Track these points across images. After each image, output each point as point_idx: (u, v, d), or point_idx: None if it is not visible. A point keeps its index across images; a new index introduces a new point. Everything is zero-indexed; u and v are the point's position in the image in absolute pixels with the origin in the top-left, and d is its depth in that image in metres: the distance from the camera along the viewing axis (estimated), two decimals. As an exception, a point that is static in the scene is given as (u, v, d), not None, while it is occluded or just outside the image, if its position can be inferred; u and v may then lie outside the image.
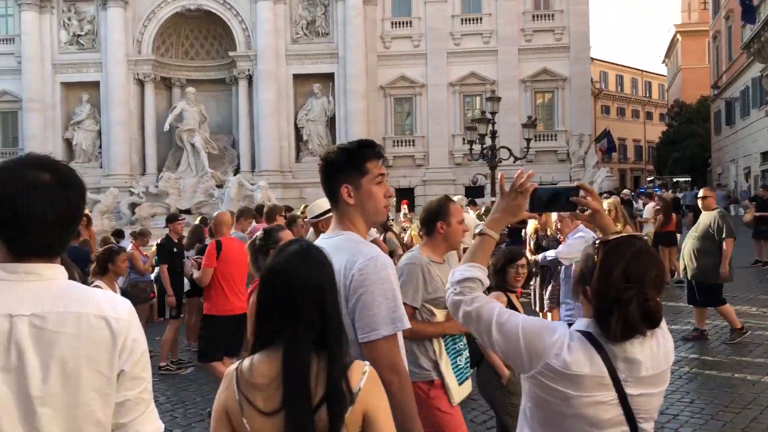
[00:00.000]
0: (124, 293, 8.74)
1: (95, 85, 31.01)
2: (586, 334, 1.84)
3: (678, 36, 49.37)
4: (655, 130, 65.11)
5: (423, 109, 30.86)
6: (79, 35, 31.13)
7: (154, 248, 9.51)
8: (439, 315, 3.50)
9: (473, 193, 30.08)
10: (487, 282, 2.13)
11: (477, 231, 2.21)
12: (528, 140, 19.07)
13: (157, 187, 29.19)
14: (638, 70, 68.05)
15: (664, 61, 59.25)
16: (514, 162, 19.83)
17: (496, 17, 30.58)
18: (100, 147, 31.16)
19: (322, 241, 2.37)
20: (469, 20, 30.83)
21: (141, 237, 10.12)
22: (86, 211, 13.36)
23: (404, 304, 2.80)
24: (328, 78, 30.46)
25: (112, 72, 30.19)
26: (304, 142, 30.74)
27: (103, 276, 6.12)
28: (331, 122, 30.59)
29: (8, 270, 1.46)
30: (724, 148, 32.98)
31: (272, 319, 1.74)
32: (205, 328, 6.81)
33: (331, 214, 4.66)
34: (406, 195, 30.19)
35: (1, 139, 32.41)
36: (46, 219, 1.45)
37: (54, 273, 1.50)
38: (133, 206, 28.21)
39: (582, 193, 2.15)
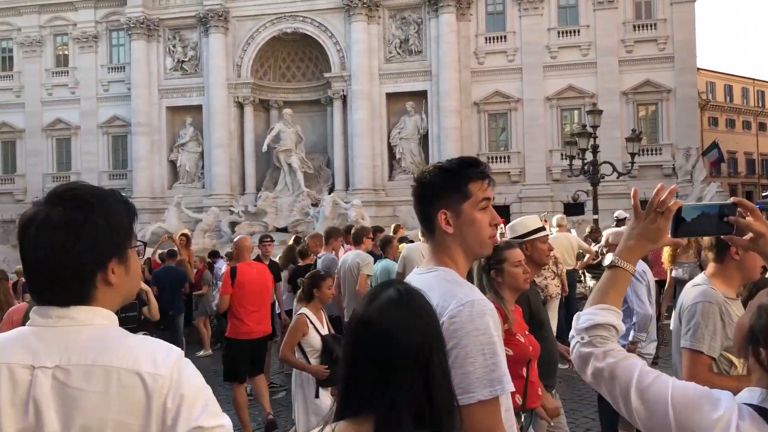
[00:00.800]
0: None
1: (198, 108, 32.29)
2: (760, 410, 1.43)
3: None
4: (768, 142, 61.14)
5: (518, 124, 30.15)
6: (183, 61, 32.58)
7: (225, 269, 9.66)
8: (739, 365, 2.87)
9: (573, 210, 29.10)
10: (622, 328, 1.74)
11: (607, 263, 1.82)
12: (633, 155, 18.12)
13: (255, 206, 29.90)
14: (749, 79, 64.24)
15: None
16: (617, 177, 18.88)
17: (595, 28, 29.56)
18: (203, 168, 32.35)
19: (413, 278, 2.01)
20: (566, 32, 29.95)
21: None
22: (185, 231, 13.70)
23: (700, 353, 2.27)
24: (421, 96, 30.36)
25: (213, 96, 31.35)
26: (397, 160, 30.72)
27: (308, 303, 5.70)
28: (424, 140, 30.42)
29: (40, 314, 1.26)
30: None
31: (362, 382, 1.41)
32: (228, 350, 7.17)
33: (542, 233, 4.31)
34: (501, 212, 29.46)
35: (112, 162, 34.28)
36: (45, 262, 1.26)
37: (91, 317, 1.28)
38: (233, 225, 29.00)
39: (740, 210, 1.73)
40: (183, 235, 12.34)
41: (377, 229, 10.08)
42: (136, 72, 32.11)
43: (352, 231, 8.57)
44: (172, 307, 9.83)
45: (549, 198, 29.37)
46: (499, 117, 30.77)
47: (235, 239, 8.00)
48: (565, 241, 10.28)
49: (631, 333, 5.72)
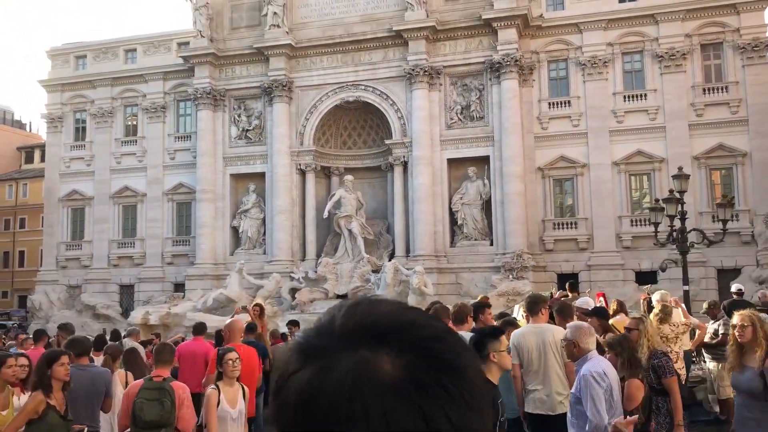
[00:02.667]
0: None
1: (260, 175, 32.67)
2: None
3: None
4: None
5: (585, 189, 29.36)
6: (247, 130, 33.24)
7: None
8: None
9: (645, 278, 27.85)
10: None
11: None
12: (724, 221, 17.07)
13: (316, 272, 29.66)
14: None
15: None
16: (707, 246, 17.89)
17: (662, 92, 28.92)
18: (264, 234, 32.44)
19: None
20: (633, 97, 29.40)
21: None
22: (259, 301, 13.31)
23: None
24: (482, 161, 30.02)
25: (276, 163, 31.71)
26: (458, 226, 30.18)
27: None
28: (486, 205, 29.88)
29: None
30: None
31: None
32: None
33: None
34: (568, 281, 28.44)
35: (176, 228, 34.78)
36: None
37: None
38: (293, 291, 28.76)
39: None
40: (257, 305, 11.92)
41: (480, 306, 8.64)
42: (202, 140, 32.86)
43: (452, 310, 7.72)
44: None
45: (620, 266, 28.23)
46: (565, 182, 30.07)
47: (227, 321, 7.96)
48: (676, 318, 9.51)
49: None
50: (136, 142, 35.76)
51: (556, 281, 29.21)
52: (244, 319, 11.72)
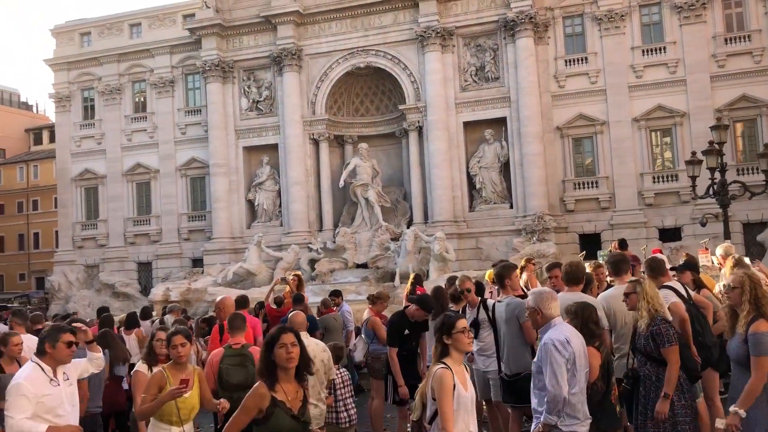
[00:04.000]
0: (364, 365, 7.90)
1: (274, 147, 32.25)
2: None
3: None
4: None
5: (605, 148, 28.77)
6: (258, 101, 32.72)
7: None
8: None
9: (668, 236, 27.42)
10: None
11: None
12: (766, 172, 16.54)
13: (334, 242, 29.38)
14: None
15: None
16: (750, 198, 17.45)
17: (682, 44, 28.12)
18: (280, 206, 32.13)
19: None
20: (651, 51, 28.60)
21: (379, 301, 9.24)
22: (297, 272, 12.93)
23: None
24: (499, 123, 29.45)
25: (289, 134, 31.25)
26: (477, 190, 29.74)
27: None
28: (504, 168, 29.40)
29: None
30: None
31: None
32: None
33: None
34: (591, 241, 28.12)
35: (191, 204, 34.51)
36: None
37: None
38: (312, 262, 28.52)
39: None
40: (295, 275, 11.54)
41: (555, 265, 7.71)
42: (213, 114, 32.40)
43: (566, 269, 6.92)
44: None
45: (642, 224, 27.78)
46: (584, 141, 29.48)
47: (217, 299, 7.78)
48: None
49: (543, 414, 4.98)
50: (146, 118, 35.32)
51: (578, 242, 28.93)
52: (283, 290, 11.43)
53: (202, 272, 30.71)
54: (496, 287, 7.79)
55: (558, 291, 6.96)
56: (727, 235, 16.91)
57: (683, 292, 6.90)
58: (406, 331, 7.84)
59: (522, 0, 28.38)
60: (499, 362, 7.25)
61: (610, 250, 12.31)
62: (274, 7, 31.22)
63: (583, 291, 6.70)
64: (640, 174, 28.40)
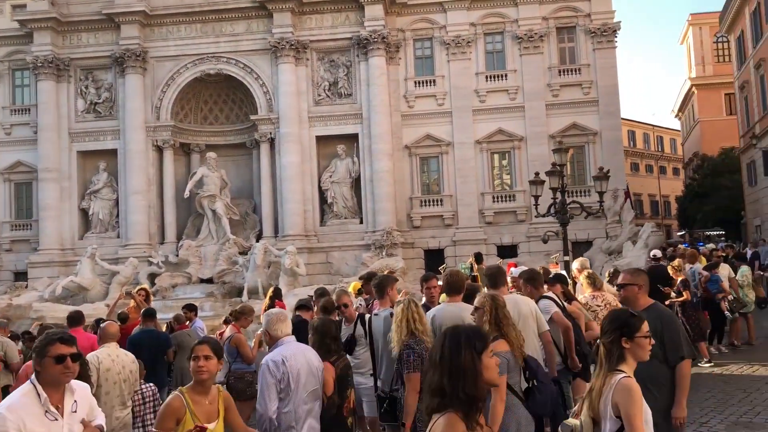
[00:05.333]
0: (227, 386, 7.37)
1: (113, 153, 30.23)
2: None
3: (694, 89, 49.07)
4: (670, 185, 64.55)
5: (450, 167, 29.95)
6: (96, 103, 30.57)
7: (259, 332, 8.04)
8: None
9: (506, 252, 28.94)
10: None
11: None
12: (601, 194, 17.88)
13: (177, 255, 28.02)
14: (649, 125, 67.96)
15: (677, 115, 58.94)
16: (585, 218, 18.77)
17: (521, 73, 30.03)
18: (118, 216, 30.11)
19: None
20: (494, 77, 30.28)
21: (243, 316, 8.64)
22: (144, 285, 12.00)
23: None
24: (351, 139, 29.70)
25: (130, 139, 29.46)
26: (328, 204, 29.72)
27: None
28: (356, 183, 29.65)
29: None
30: (762, 199, 31.88)
31: None
32: None
33: None
34: (435, 256, 29.06)
35: (15, 211, 31.42)
36: None
37: None
38: (152, 276, 27.01)
39: None
40: (142, 289, 10.67)
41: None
42: (44, 114, 29.78)
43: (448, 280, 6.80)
44: (155, 379, 7.95)
45: (482, 241, 29.08)
46: (431, 160, 30.50)
47: (102, 325, 7.23)
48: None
49: None
50: (-37, 115, 31.76)
51: (424, 257, 29.79)
52: (129, 305, 10.53)
53: (26, 286, 28.01)
54: (361, 299, 7.65)
55: (432, 302, 6.98)
56: (566, 252, 18.10)
57: (559, 302, 7.22)
58: None
59: (375, 20, 28.92)
60: (375, 379, 6.91)
61: (471, 264, 12.71)
62: (117, 5, 29.42)
63: (468, 302, 6.64)
64: (481, 193, 29.82)
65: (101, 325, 7.27)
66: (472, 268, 11.89)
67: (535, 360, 5.27)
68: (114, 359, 6.66)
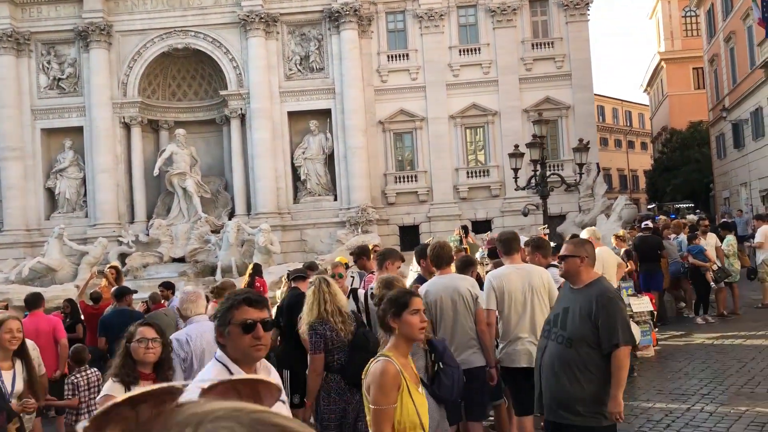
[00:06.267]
0: None
1: (78, 130, 29.37)
2: None
3: (663, 64, 49.42)
4: (638, 159, 65.32)
5: (424, 143, 29.73)
6: (60, 79, 29.59)
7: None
8: None
9: (480, 227, 28.92)
10: None
11: None
12: (581, 165, 17.84)
13: (147, 235, 27.49)
14: (618, 99, 68.46)
15: (646, 90, 59.43)
16: (565, 189, 18.75)
17: (495, 47, 29.80)
18: (85, 195, 29.36)
19: None
20: (467, 51, 30.01)
21: (224, 292, 8.27)
22: (114, 263, 11.62)
23: None
24: (324, 114, 29.28)
25: (96, 116, 28.63)
26: (302, 181, 29.35)
27: None
28: (329, 160, 29.29)
29: None
30: (731, 171, 32.36)
31: None
32: None
33: None
34: (410, 232, 28.96)
35: (-23, 191, 30.40)
36: None
37: None
38: (123, 256, 26.41)
39: None
40: (113, 267, 10.32)
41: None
42: (4, 90, 28.73)
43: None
44: None
45: (457, 217, 28.99)
46: (405, 136, 30.24)
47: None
48: (609, 257, 9.55)
49: None
50: None
51: (398, 234, 29.67)
52: (100, 284, 10.18)
53: (-9, 269, 27.20)
54: (353, 271, 7.40)
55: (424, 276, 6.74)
56: (545, 224, 18.08)
57: None
58: None
59: (347, -8, 28.38)
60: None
61: (459, 236, 12.57)
62: (79, -24, 28.40)
63: (463, 273, 6.40)
64: (455, 169, 29.70)
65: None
66: (461, 241, 11.75)
67: (441, 341, 5.02)
68: None
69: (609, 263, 9.42)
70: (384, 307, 3.77)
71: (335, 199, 28.94)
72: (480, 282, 6.68)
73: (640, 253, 12.82)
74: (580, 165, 17.90)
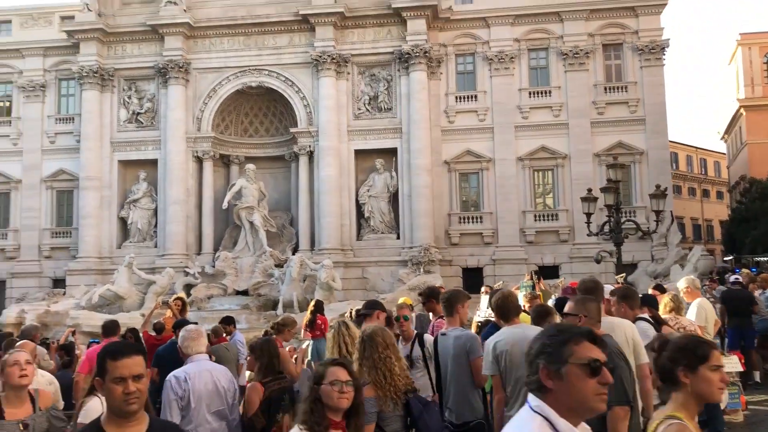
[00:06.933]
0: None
1: (153, 163, 30.39)
2: None
3: (742, 111, 47.70)
4: (713, 208, 62.79)
5: (490, 184, 29.37)
6: (138, 113, 30.82)
7: (304, 346, 7.45)
8: None
9: (548, 273, 28.14)
10: None
11: None
12: (657, 212, 17.08)
13: (213, 267, 27.94)
14: (692, 146, 66.40)
15: (723, 137, 57.41)
16: (640, 237, 18.07)
17: (566, 90, 29.41)
18: (156, 226, 30.18)
19: None
20: (538, 93, 29.71)
21: (285, 329, 8.08)
22: (181, 294, 11.71)
23: None
24: (390, 153, 29.37)
25: (171, 150, 29.58)
26: (365, 219, 29.37)
27: None
28: (393, 198, 29.25)
29: None
30: (816, 224, 30.63)
31: None
32: None
33: None
34: (474, 274, 28.43)
35: (56, 218, 31.76)
36: None
37: None
38: (188, 287, 26.87)
39: None
40: (178, 298, 10.34)
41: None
42: (87, 123, 30.12)
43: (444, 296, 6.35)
44: None
45: (523, 260, 28.38)
46: (471, 176, 29.98)
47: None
48: (711, 310, 8.98)
49: None
50: (11, 123, 32.33)
51: (462, 275, 29.18)
52: (165, 315, 10.22)
53: (64, 293, 28.15)
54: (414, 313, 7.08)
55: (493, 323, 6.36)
56: (619, 272, 17.34)
57: (655, 327, 6.47)
58: None
59: (417, 34, 28.65)
60: (441, 409, 6.02)
61: (532, 282, 11.99)
62: (162, 16, 29.69)
63: (539, 324, 5.88)
64: (522, 211, 29.15)
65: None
66: (533, 287, 11.17)
67: (419, 403, 4.68)
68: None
69: (711, 314, 8.75)
70: (672, 355, 3.14)
71: (398, 238, 28.79)
72: None
73: (729, 307, 11.90)
74: (657, 212, 17.12)
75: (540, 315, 6.02)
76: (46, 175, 31.61)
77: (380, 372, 4.66)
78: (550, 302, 10.07)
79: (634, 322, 5.87)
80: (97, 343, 10.92)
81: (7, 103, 32.81)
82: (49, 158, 31.75)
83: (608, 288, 6.96)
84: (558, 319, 7.13)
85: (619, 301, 6.15)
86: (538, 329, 5.71)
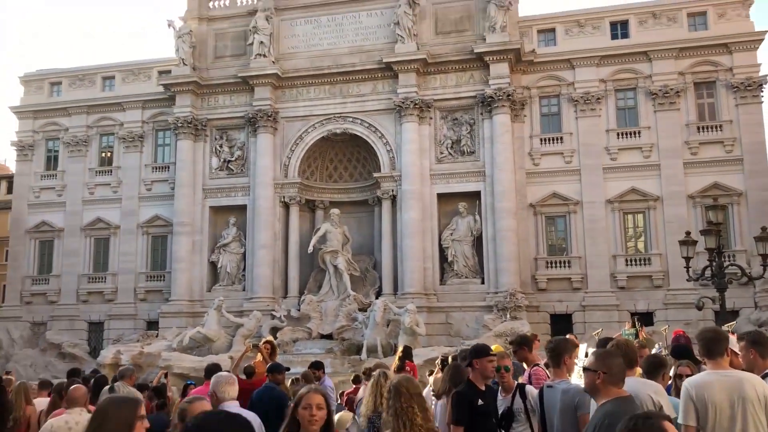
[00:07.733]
0: None
1: (242, 208, 31.35)
2: None
3: None
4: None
5: (578, 227, 28.59)
6: (229, 161, 32.00)
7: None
8: None
9: (640, 320, 26.91)
10: None
11: None
12: (764, 256, 16.08)
13: (298, 310, 28.28)
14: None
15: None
16: (746, 282, 17.04)
17: (656, 130, 28.53)
18: (244, 269, 30.95)
19: None
20: (626, 134, 28.96)
21: None
22: (269, 338, 11.87)
23: None
24: (473, 196, 29.14)
25: (259, 195, 30.47)
26: (448, 263, 29.09)
27: None
28: (477, 242, 28.90)
29: None
30: None
31: None
32: None
33: None
34: (562, 321, 27.54)
35: (151, 262, 33.12)
36: None
37: None
38: (274, 330, 27.24)
39: None
40: (268, 341, 10.49)
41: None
42: (181, 171, 31.52)
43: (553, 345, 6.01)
44: None
45: (615, 307, 27.34)
46: (557, 219, 29.31)
47: (70, 388, 6.83)
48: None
49: None
50: (111, 172, 34.27)
51: (549, 322, 28.30)
52: (255, 358, 10.33)
53: (157, 335, 29.12)
54: (512, 364, 6.82)
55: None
56: (724, 320, 16.37)
57: None
58: (480, 402, 6.07)
59: (500, 78, 28.62)
60: None
61: (635, 330, 11.37)
62: (252, 68, 30.96)
63: (652, 377, 5.59)
64: (612, 256, 28.17)
65: (69, 387, 6.90)
66: (636, 335, 10.59)
67: None
68: (71, 427, 6.18)
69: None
70: None
71: (482, 282, 28.32)
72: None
73: None
74: (763, 256, 16.07)
75: (653, 367, 5.65)
76: (143, 221, 33.15)
77: (401, 421, 4.83)
78: (653, 352, 9.55)
79: (764, 377, 5.22)
80: (194, 385, 11.16)
81: (109, 154, 34.83)
82: (145, 205, 33.33)
83: (732, 339, 6.26)
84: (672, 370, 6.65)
85: (747, 347, 5.50)
86: (648, 383, 5.37)
